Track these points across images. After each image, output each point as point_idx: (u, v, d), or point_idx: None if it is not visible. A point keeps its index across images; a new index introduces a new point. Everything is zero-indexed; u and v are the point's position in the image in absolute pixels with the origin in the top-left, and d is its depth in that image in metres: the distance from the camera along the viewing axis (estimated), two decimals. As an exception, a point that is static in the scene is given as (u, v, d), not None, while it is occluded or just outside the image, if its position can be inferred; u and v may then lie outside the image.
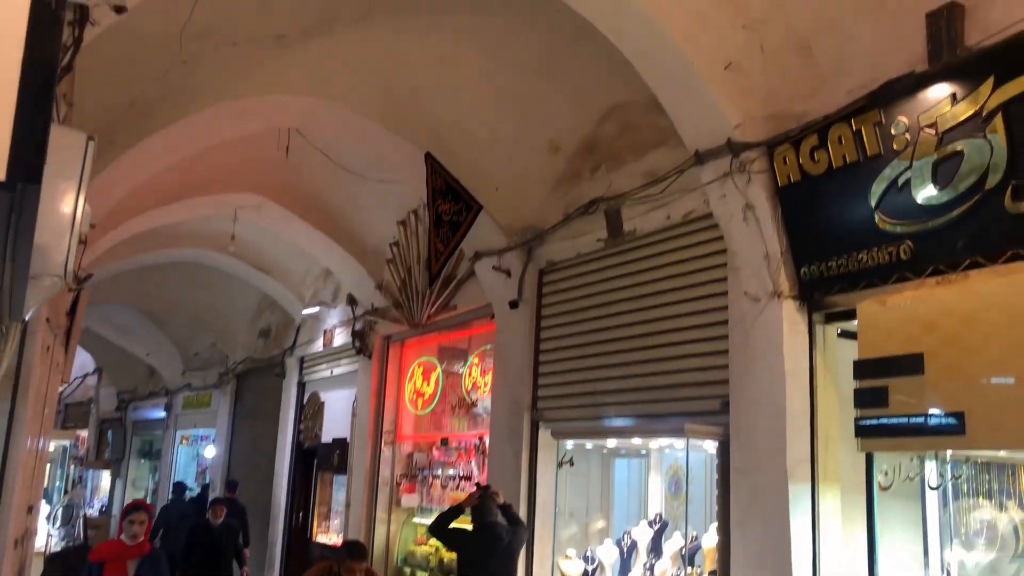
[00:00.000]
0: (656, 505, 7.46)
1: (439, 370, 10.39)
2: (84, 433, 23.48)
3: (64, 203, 3.92)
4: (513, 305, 7.85)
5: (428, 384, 10.54)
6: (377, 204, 10.53)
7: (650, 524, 7.06)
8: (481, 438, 9.30)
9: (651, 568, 6.74)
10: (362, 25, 6.95)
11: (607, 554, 6.92)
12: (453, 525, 6.39)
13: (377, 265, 11.10)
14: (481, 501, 6.48)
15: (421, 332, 10.43)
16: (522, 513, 7.45)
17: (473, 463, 9.79)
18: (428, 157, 7.58)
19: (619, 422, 6.71)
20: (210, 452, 17.62)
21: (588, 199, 7.16)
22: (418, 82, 7.58)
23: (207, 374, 17.71)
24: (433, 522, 6.74)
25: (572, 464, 7.31)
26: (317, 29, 6.95)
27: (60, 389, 10.19)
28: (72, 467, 24.16)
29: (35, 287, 3.86)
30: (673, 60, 5.49)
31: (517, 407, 7.79)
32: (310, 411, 13.52)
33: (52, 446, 14.15)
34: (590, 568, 6.80)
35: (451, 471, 9.90)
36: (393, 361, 11.17)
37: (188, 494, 14.56)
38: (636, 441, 7.39)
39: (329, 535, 12.44)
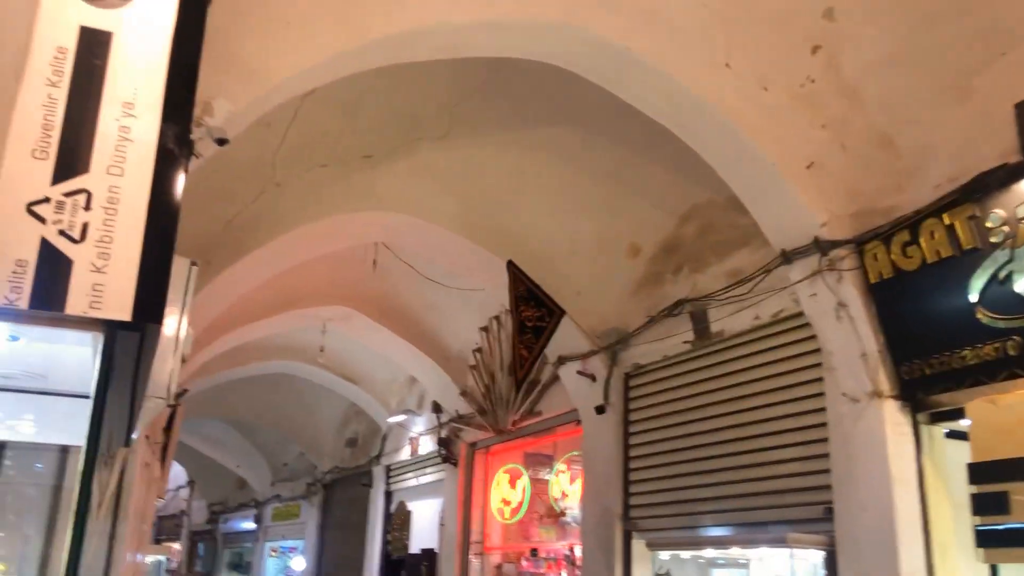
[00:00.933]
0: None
1: (525, 477, 10.25)
2: (177, 546, 23.74)
3: (168, 327, 4.10)
4: (600, 410, 7.75)
5: (515, 492, 10.39)
6: (460, 311, 10.67)
7: (755, 640, 6.68)
8: (572, 548, 9.06)
9: None
10: (443, 142, 7.21)
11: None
12: None
13: (461, 372, 11.16)
14: None
15: (506, 439, 10.36)
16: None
17: (564, 575, 9.52)
18: (510, 265, 7.68)
19: (716, 531, 6.46)
20: (298, 564, 17.59)
21: (672, 301, 7.11)
22: (498, 193, 7.76)
23: (295, 484, 17.85)
24: None
25: (669, 576, 7.05)
26: (401, 148, 7.23)
27: (158, 504, 10.37)
28: (164, 580, 24.37)
29: (146, 408, 4.01)
30: (753, 161, 5.50)
31: (608, 516, 7.59)
32: (398, 521, 13.43)
33: (149, 560, 14.33)
34: None
35: (543, 583, 9.63)
36: (479, 468, 11.08)
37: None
38: (735, 551, 7.11)
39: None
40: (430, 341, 11.24)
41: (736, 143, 5.49)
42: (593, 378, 7.91)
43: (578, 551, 8.94)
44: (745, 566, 7.49)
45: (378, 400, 13.91)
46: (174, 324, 4.02)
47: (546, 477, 10.08)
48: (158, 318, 1.59)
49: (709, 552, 7.28)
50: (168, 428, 10.03)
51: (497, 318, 10.29)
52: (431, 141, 7.18)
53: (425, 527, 12.42)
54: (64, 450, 3.74)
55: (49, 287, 1.50)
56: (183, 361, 7.75)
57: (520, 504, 10.25)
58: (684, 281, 7.11)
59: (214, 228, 7.32)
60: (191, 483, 23.14)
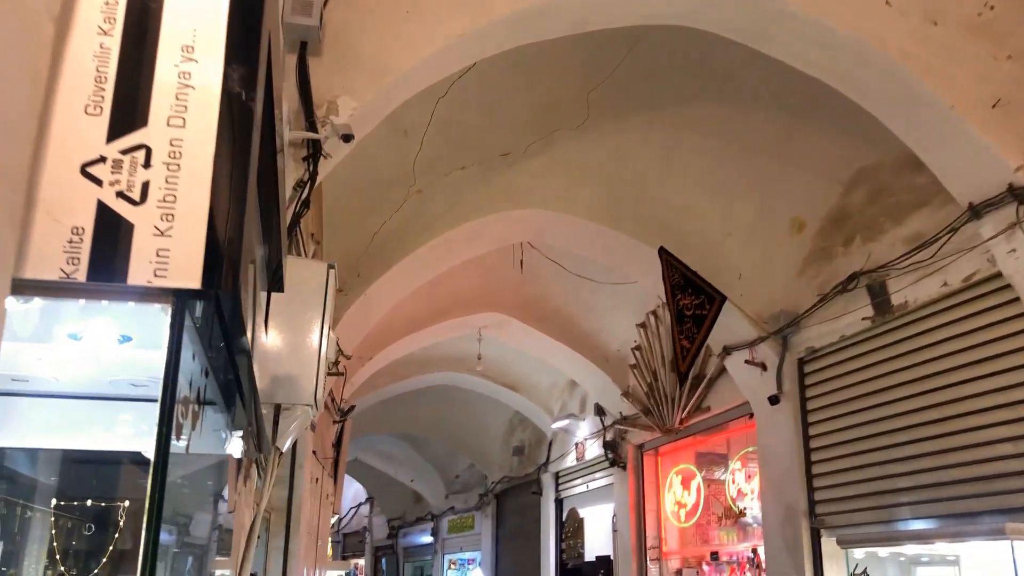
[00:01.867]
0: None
1: (699, 478, 9.74)
2: (361, 562, 24.52)
3: (310, 333, 4.00)
4: (773, 401, 7.20)
5: (689, 493, 9.90)
6: (615, 308, 10.33)
7: (974, 646, 5.94)
8: (755, 549, 8.49)
9: None
10: (582, 131, 6.93)
11: None
12: None
13: (621, 371, 10.80)
14: None
15: (675, 438, 9.89)
16: (813, 635, 6.61)
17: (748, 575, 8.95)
18: (662, 252, 7.28)
19: (918, 525, 5.79)
20: (477, 575, 17.67)
21: (844, 275, 6.50)
22: (644, 178, 7.40)
23: (468, 496, 17.96)
24: None
25: (867, 576, 6.40)
26: (540, 142, 7.01)
27: (333, 520, 10.60)
28: (354, 597, 25.22)
29: (288, 417, 3.92)
30: (927, 106, 4.89)
31: (792, 514, 7.02)
32: (570, 528, 13.17)
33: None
34: None
35: (725, 588, 9.09)
36: (649, 471, 10.66)
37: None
38: (941, 546, 6.39)
39: (601, 661, 11.80)
40: (587, 342, 10.94)
41: (906, 89, 4.91)
42: (763, 367, 7.37)
43: (762, 552, 8.38)
44: (954, 563, 6.73)
45: (541, 406, 13.74)
46: (316, 330, 3.92)
47: (721, 477, 9.54)
48: (232, 284, 1.38)
49: (911, 549, 6.58)
50: (337, 444, 10.24)
51: (654, 312, 9.86)
52: (569, 131, 6.92)
53: (598, 533, 12.08)
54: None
55: (109, 255, 1.33)
56: (340, 374, 7.83)
57: (696, 506, 9.74)
58: (857, 253, 6.48)
59: (362, 241, 7.35)
60: (371, 500, 23.82)
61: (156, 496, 1.50)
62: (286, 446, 4.02)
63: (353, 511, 25.29)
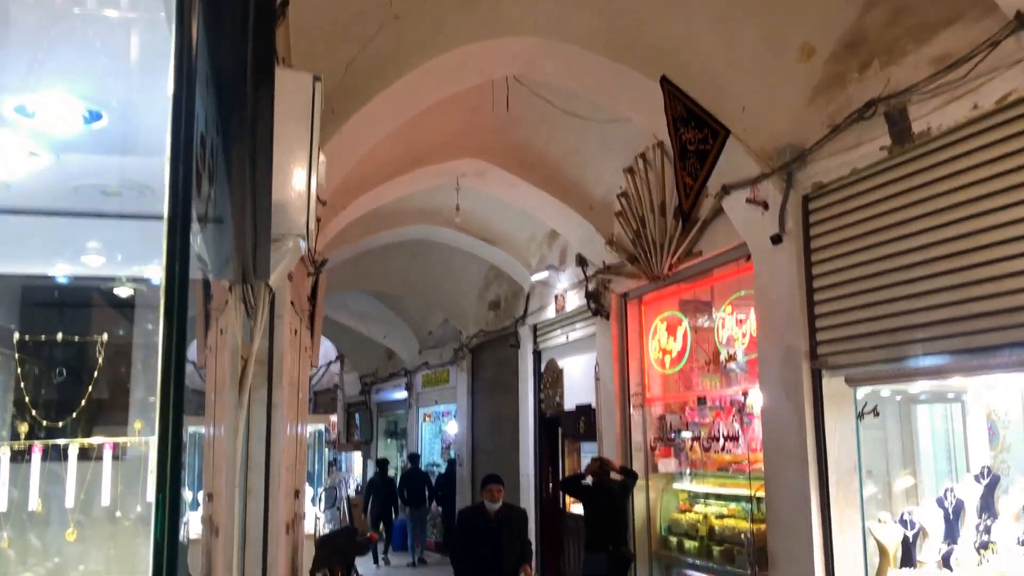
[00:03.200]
0: (980, 457, 6.27)
1: (685, 324, 9.57)
2: (334, 418, 24.71)
3: (298, 156, 3.51)
4: (776, 240, 6.88)
5: (675, 340, 9.75)
6: (601, 153, 9.84)
7: (977, 479, 5.91)
8: (746, 394, 8.41)
9: (987, 530, 5.61)
10: (578, -56, 6.25)
11: (928, 516, 5.85)
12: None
13: (606, 220, 10.43)
14: (600, 469, 9.09)
15: (661, 285, 9.64)
16: (810, 474, 6.56)
17: (734, 422, 8.93)
18: (664, 81, 6.75)
19: (930, 361, 5.61)
20: (452, 428, 17.83)
21: (860, 103, 6.05)
22: (643, 3, 6.78)
23: (443, 351, 17.89)
24: (563, 481, 10.26)
25: (877, 415, 6.28)
26: (530, -43, 6.33)
27: (310, 374, 10.34)
28: (327, 451, 25.58)
29: (279, 249, 3.48)
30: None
31: (792, 355, 6.84)
32: (549, 379, 13.13)
33: (308, 431, 14.76)
34: (910, 533, 5.78)
35: (714, 432, 9.08)
36: (633, 320, 10.47)
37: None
38: (940, 384, 6.29)
39: (580, 504, 11.98)
40: (571, 191, 10.49)
41: None
42: (765, 205, 7.01)
43: (752, 396, 8.30)
44: (954, 400, 6.67)
45: (518, 260, 13.41)
46: (304, 149, 3.42)
47: (708, 323, 9.38)
48: None
49: (914, 388, 6.49)
50: (313, 297, 9.85)
51: (643, 156, 9.41)
52: (563, -55, 6.24)
53: (578, 384, 12.04)
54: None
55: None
56: (322, 202, 7.34)
57: (681, 353, 9.61)
58: (874, 78, 6.01)
59: (334, 74, 6.69)
60: (341, 357, 23.77)
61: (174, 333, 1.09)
62: (275, 282, 3.60)
63: (323, 369, 25.28)
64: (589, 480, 8.94)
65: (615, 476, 9.17)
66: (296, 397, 8.26)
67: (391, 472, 18.15)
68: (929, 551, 5.62)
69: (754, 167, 7.02)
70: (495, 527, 7.35)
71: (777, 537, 7.02)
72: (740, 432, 8.80)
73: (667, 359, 9.90)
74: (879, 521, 5.93)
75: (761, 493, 8.10)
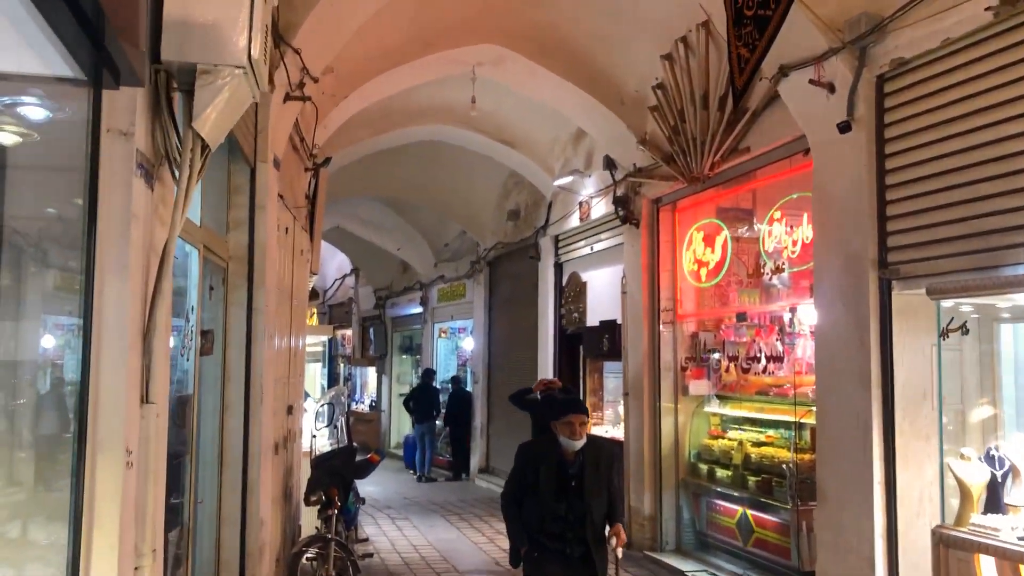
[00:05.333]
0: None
1: (725, 233, 8.59)
2: (348, 332, 24.13)
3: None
4: (843, 128, 5.85)
5: (712, 251, 8.79)
6: (635, 37, 8.73)
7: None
8: (793, 309, 7.50)
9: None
10: None
11: (1021, 454, 4.96)
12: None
13: (638, 116, 9.36)
14: (546, 388, 8.35)
15: (699, 189, 8.64)
16: (873, 399, 5.69)
17: (776, 341, 8.05)
18: (719, -67, 5.63)
19: (1035, 269, 4.65)
20: (468, 344, 17.10)
21: (961, -44, 4.96)
22: None
23: (459, 264, 17.04)
24: (512, 395, 8.85)
25: (967, 332, 5.34)
26: None
27: (311, 281, 9.51)
28: (341, 366, 25.07)
29: (207, 87, 2.56)
30: None
31: (856, 264, 5.89)
32: (571, 293, 12.25)
33: (313, 343, 14.04)
34: (998, 472, 4.90)
35: (753, 352, 8.21)
36: (666, 228, 9.51)
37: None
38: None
39: (603, 426, 11.26)
40: (600, 82, 9.41)
41: None
42: (831, 88, 5.97)
43: (802, 313, 7.40)
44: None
45: (540, 164, 12.40)
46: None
47: (751, 232, 8.42)
48: None
49: (1001, 303, 5.53)
50: (313, 197, 8.96)
51: (683, 40, 8.29)
52: None
53: (603, 298, 11.16)
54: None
55: None
56: (302, 97, 6.37)
57: (720, 264, 8.67)
58: (979, -77, 4.90)
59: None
60: (356, 270, 23.02)
61: None
62: (209, 132, 2.67)
63: (338, 282, 24.61)
64: (537, 395, 8.50)
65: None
66: (289, 304, 7.44)
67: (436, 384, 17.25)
68: (1020, 494, 4.75)
69: (820, 42, 5.94)
70: (575, 475, 4.91)
71: (828, 468, 6.19)
72: (783, 352, 7.93)
73: (703, 272, 8.96)
74: (961, 457, 5.04)
75: (807, 420, 7.29)
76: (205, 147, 2.72)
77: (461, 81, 9.91)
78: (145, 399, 2.48)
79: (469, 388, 16.62)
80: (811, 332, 7.09)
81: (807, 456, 7.32)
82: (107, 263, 2.29)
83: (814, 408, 6.86)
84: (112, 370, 2.29)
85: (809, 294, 7.10)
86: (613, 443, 9.19)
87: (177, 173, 2.61)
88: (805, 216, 7.22)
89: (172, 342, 4.43)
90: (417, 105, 11.15)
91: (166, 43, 2.49)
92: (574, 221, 11.79)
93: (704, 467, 8.82)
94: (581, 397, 11.82)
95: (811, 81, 6.03)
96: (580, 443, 4.91)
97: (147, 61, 2.45)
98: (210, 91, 2.50)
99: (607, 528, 5.05)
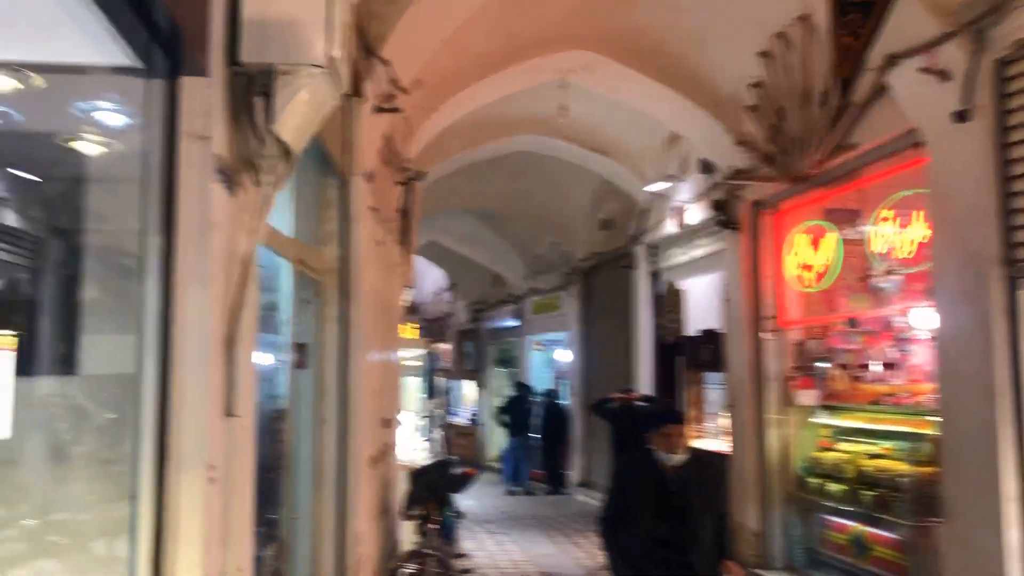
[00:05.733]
0: None
1: (834, 235, 8.17)
2: (446, 346, 24.26)
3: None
4: (960, 117, 5.46)
5: (819, 255, 8.37)
6: (730, 37, 8.44)
7: None
8: (906, 312, 7.06)
9: None
10: None
11: None
12: None
13: (735, 117, 9.04)
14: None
15: (803, 189, 8.26)
16: (1000, 407, 5.26)
17: (890, 347, 7.59)
18: (819, -83, 5.35)
19: None
20: (564, 356, 16.91)
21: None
22: None
23: (551, 276, 16.90)
24: (592, 404, 9.48)
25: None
26: None
27: (407, 294, 9.52)
28: (440, 379, 25.23)
29: (288, 87, 2.48)
30: None
31: (977, 264, 5.48)
32: (668, 302, 11.94)
33: (411, 357, 14.13)
34: None
35: (865, 359, 7.77)
36: (767, 232, 9.13)
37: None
38: None
39: (706, 438, 10.89)
40: (694, 84, 9.13)
41: None
42: (945, 76, 5.58)
43: (912, 317, 6.95)
44: None
45: (632, 171, 12.17)
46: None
47: (857, 234, 7.98)
48: None
49: None
50: (406, 210, 8.97)
51: (781, 35, 7.95)
52: None
53: (702, 306, 10.83)
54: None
55: None
56: (392, 108, 6.35)
57: (827, 268, 8.24)
58: None
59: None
60: (451, 285, 23.16)
61: None
62: (292, 136, 2.59)
63: (435, 297, 24.80)
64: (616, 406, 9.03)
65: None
66: (383, 317, 7.42)
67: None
68: None
69: (931, 26, 5.58)
70: (677, 492, 4.41)
71: (954, 483, 5.76)
72: (898, 359, 7.47)
73: (808, 276, 8.55)
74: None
75: (926, 430, 6.83)
76: (288, 152, 2.65)
77: (551, 90, 9.81)
78: (229, 412, 2.41)
79: (566, 401, 16.44)
80: (929, 336, 6.65)
81: (928, 469, 6.84)
82: (187, 272, 2.23)
83: (935, 418, 6.43)
84: (193, 383, 2.22)
85: (925, 297, 6.67)
86: (719, 457, 8.83)
87: (258, 179, 2.55)
88: (919, 214, 6.79)
89: (269, 356, 4.41)
90: (507, 116, 11.09)
91: (245, 44, 2.43)
92: (669, 228, 11.50)
93: (814, 481, 8.38)
94: (681, 409, 11.49)
95: (922, 69, 5.66)
96: (679, 457, 4.45)
97: (224, 64, 2.39)
98: (289, 92, 2.43)
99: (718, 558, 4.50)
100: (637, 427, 10.24)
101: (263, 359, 4.34)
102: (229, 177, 2.42)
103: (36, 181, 3.07)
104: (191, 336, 2.24)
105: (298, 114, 2.50)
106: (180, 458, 2.19)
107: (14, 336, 1.75)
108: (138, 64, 2.10)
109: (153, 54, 2.08)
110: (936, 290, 6.01)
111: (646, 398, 10.73)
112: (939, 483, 5.99)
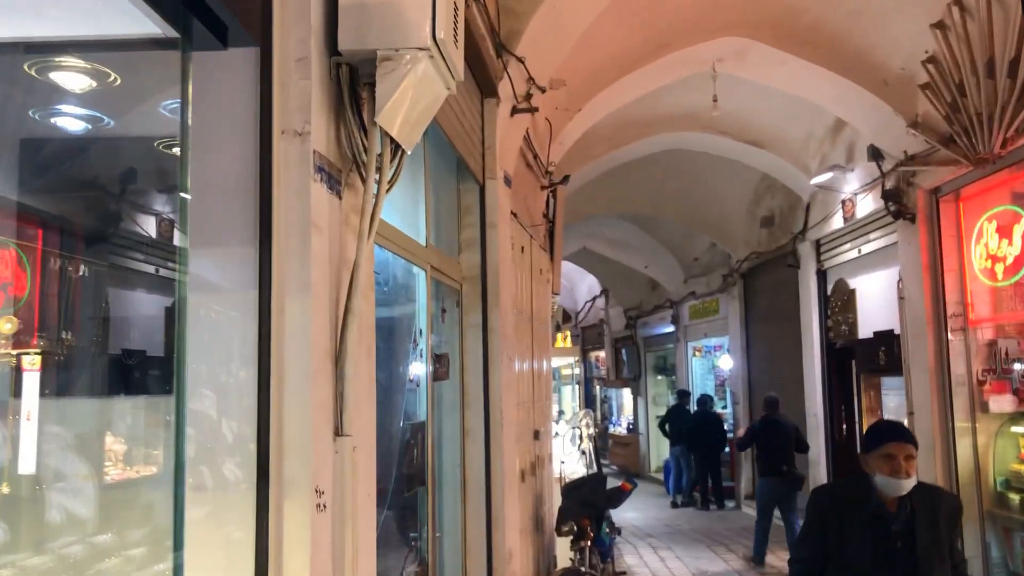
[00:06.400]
0: None
1: (1028, 219, 7.28)
2: (602, 354, 23.91)
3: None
4: None
5: (1011, 243, 7.48)
6: (896, 10, 7.70)
7: None
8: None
9: None
10: None
11: None
12: None
13: (907, 97, 8.25)
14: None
15: (988, 172, 7.41)
16: None
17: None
18: None
19: None
20: (726, 363, 16.18)
21: None
22: None
23: (710, 278, 16.23)
24: (738, 444, 9.93)
25: None
26: None
27: (553, 301, 9.28)
28: (596, 388, 24.88)
29: (389, 73, 2.26)
30: None
31: None
32: (837, 303, 11.12)
33: (565, 365, 13.87)
34: None
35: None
36: (948, 220, 8.27)
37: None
38: None
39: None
40: (858, 64, 8.41)
41: None
42: None
43: None
44: None
45: (794, 164, 11.43)
46: None
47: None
48: None
49: None
50: (551, 215, 8.74)
51: (958, 3, 7.16)
52: None
53: (876, 306, 9.98)
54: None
55: None
56: (530, 108, 6.11)
57: (1020, 259, 7.35)
58: None
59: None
60: (605, 292, 22.80)
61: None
62: (400, 129, 2.37)
63: (589, 304, 24.53)
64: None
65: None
66: (530, 325, 7.20)
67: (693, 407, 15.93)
68: None
69: None
70: (902, 532, 3.48)
71: None
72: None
73: (999, 268, 7.66)
74: None
75: None
76: (398, 148, 2.44)
77: (700, 82, 9.33)
78: (340, 431, 2.22)
79: (723, 408, 15.77)
80: None
81: None
82: (286, 280, 2.05)
83: None
84: (296, 401, 2.03)
85: None
86: (948, 492, 7.34)
87: (365, 178, 2.35)
88: None
89: (405, 368, 4.24)
90: (654, 113, 10.67)
91: (342, 30, 2.24)
92: (837, 222, 10.70)
93: (1015, 497, 7.47)
94: (856, 418, 10.65)
95: None
96: (908, 484, 3.42)
97: (322, 53, 2.21)
98: (392, 80, 2.21)
99: None
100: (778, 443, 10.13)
101: (399, 372, 4.19)
102: (331, 177, 2.23)
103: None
104: (292, 349, 2.05)
105: (404, 105, 2.28)
106: (283, 483, 2.00)
107: (38, 355, 1.60)
108: (219, 47, 1.94)
109: (239, 40, 1.92)
110: None
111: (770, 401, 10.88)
112: None
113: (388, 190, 2.42)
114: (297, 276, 2.08)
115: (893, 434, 3.63)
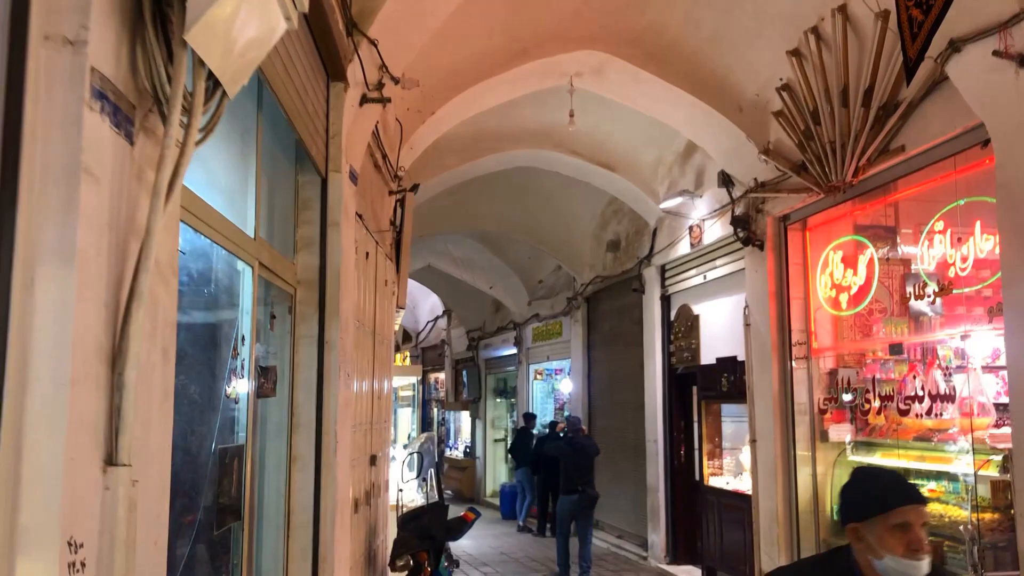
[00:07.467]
0: None
1: (871, 252, 7.39)
2: (441, 375, 23.38)
3: None
4: (1042, 107, 4.69)
5: (855, 274, 7.58)
6: (755, 35, 7.70)
7: None
8: (965, 337, 6.25)
9: None
10: None
11: None
12: None
13: (760, 124, 8.29)
14: None
15: (836, 202, 7.50)
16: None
17: (937, 376, 6.77)
18: None
19: None
20: (566, 386, 16.04)
21: None
22: None
23: (554, 301, 16.08)
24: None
25: None
26: None
27: (398, 316, 8.69)
28: (435, 410, 24.29)
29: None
30: None
31: (1064, 276, 4.68)
32: (681, 328, 11.12)
33: (404, 386, 13.25)
34: None
35: (908, 390, 6.94)
36: (795, 249, 8.36)
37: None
38: None
39: (723, 476, 10.03)
40: (715, 88, 8.39)
41: None
42: (1023, 60, 4.82)
43: (975, 339, 6.15)
44: None
45: (642, 188, 11.41)
46: None
47: (897, 252, 7.22)
48: None
49: None
50: (399, 224, 8.18)
51: (814, 30, 7.21)
52: None
53: (720, 332, 10.01)
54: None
55: None
56: (381, 98, 5.58)
57: (864, 289, 7.46)
58: None
59: None
60: (448, 312, 22.33)
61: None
62: (219, 60, 1.78)
63: (431, 324, 23.98)
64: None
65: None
66: (371, 340, 6.59)
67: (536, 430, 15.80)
68: None
69: (1007, 4, 4.82)
70: None
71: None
72: (948, 390, 6.64)
73: (843, 298, 7.75)
74: None
75: (987, 471, 5.99)
76: (217, 86, 1.85)
77: (556, 99, 9.08)
78: (113, 460, 1.59)
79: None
80: (989, 364, 5.85)
81: (989, 516, 6.01)
82: (38, 243, 1.43)
83: (995, 457, 5.63)
84: (44, 417, 1.41)
85: (987, 319, 5.89)
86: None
87: (169, 119, 1.73)
88: (977, 225, 6.01)
89: (216, 380, 3.58)
90: (508, 127, 10.35)
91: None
92: (683, 248, 10.71)
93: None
94: (696, 444, 10.62)
95: (996, 53, 4.90)
96: (926, 566, 2.38)
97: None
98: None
99: None
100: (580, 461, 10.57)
101: (213, 385, 3.51)
102: (119, 110, 1.62)
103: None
104: (44, 344, 1.43)
105: (225, 25, 1.70)
106: (14, 534, 1.36)
107: None
108: None
109: None
110: (1009, 310, 5.19)
111: (571, 421, 11.48)
112: (1016, 533, 5.14)
113: (201, 141, 1.83)
114: (56, 240, 1.46)
115: (905, 495, 2.47)
